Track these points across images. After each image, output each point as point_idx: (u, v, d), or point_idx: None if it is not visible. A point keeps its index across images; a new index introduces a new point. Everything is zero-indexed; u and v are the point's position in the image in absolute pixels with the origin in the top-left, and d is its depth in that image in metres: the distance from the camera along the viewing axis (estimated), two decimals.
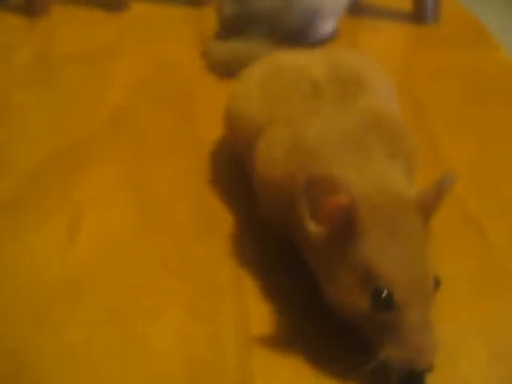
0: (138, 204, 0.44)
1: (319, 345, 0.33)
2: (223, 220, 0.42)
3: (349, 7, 0.64)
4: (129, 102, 0.56)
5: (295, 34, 0.59)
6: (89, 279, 0.38)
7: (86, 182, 0.46)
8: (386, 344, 0.30)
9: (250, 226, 0.42)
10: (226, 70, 0.57)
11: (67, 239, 0.41)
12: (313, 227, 0.32)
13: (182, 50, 0.64)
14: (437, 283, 0.31)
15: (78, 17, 0.72)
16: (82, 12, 0.73)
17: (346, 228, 0.31)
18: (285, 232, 0.37)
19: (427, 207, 0.32)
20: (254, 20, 0.59)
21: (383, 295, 0.29)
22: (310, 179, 0.31)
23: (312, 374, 0.32)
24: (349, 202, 0.30)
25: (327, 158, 0.34)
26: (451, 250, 0.38)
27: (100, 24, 0.70)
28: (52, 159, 0.49)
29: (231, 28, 0.61)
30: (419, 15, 0.67)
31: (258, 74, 0.43)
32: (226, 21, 0.61)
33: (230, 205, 0.44)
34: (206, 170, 0.47)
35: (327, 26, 0.61)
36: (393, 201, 0.32)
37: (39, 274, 0.39)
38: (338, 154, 0.34)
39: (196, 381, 0.32)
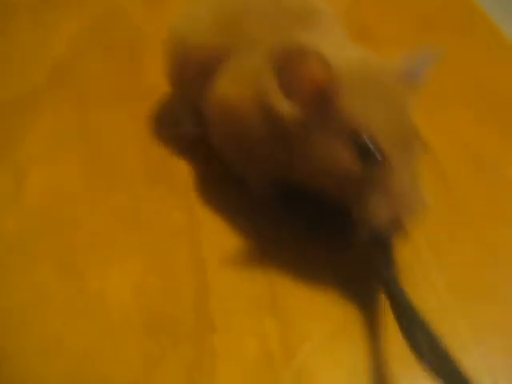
0: (87, 155, 0.43)
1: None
2: (175, 166, 0.41)
3: None
4: (74, 52, 0.53)
5: None
6: (39, 234, 0.37)
7: (30, 135, 0.45)
8: (372, 201, 0.29)
9: (204, 170, 0.41)
10: None
11: (14, 195, 0.40)
12: (288, 107, 0.31)
13: None
14: (422, 143, 0.31)
15: None
16: None
17: (324, 97, 0.30)
18: (243, 167, 0.37)
19: (412, 76, 0.32)
20: None
21: (370, 146, 0.29)
22: (281, 54, 0.29)
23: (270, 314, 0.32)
24: (324, 68, 0.29)
25: None
26: None
27: None
28: None
29: None
30: None
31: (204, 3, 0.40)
32: None
33: (182, 151, 0.43)
34: (156, 117, 0.46)
35: None
36: (372, 67, 0.31)
37: None
38: None
39: (154, 331, 0.32)
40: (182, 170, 0.41)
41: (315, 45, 0.30)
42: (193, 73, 0.39)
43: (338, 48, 0.32)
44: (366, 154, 0.29)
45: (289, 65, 0.29)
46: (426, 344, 0.26)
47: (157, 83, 0.48)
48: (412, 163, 0.30)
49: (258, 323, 0.32)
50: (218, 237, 0.37)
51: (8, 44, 0.55)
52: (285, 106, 0.31)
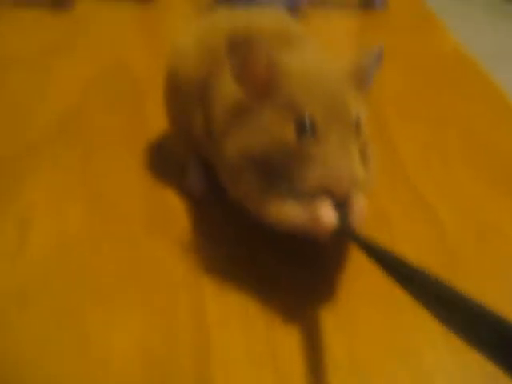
0: (89, 206, 0.43)
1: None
2: (178, 217, 0.42)
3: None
4: (76, 104, 0.54)
5: None
6: (40, 286, 0.37)
7: (34, 186, 0.45)
8: (302, 169, 0.32)
9: (207, 223, 0.41)
10: None
11: (17, 247, 0.40)
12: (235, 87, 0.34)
13: (130, 49, 0.63)
14: (358, 123, 0.33)
15: (23, 17, 0.71)
16: (27, 12, 0.72)
17: (268, 83, 0.33)
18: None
19: (360, 73, 0.34)
20: None
21: (306, 122, 0.31)
22: (232, 40, 0.33)
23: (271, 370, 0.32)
24: (267, 57, 0.33)
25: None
26: (403, 231, 0.39)
27: (46, 24, 0.69)
28: None
29: None
30: (368, 2, 0.67)
31: (191, 36, 0.43)
32: None
33: (186, 201, 0.43)
34: (160, 166, 0.47)
35: None
36: (319, 62, 0.35)
37: None
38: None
39: (154, 380, 0.32)
40: (184, 221, 0.41)
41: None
42: (184, 104, 0.41)
43: (299, 53, 0.36)
44: (301, 128, 0.32)
45: (238, 51, 0.33)
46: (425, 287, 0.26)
47: (160, 132, 0.49)
48: (346, 141, 0.32)
49: (259, 379, 0.32)
50: (220, 291, 0.37)
51: (10, 94, 0.56)
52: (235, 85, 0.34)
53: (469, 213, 0.41)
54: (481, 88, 0.55)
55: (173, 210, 0.42)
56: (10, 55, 0.63)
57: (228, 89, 0.36)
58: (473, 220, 0.40)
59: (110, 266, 0.38)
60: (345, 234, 0.32)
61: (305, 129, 0.32)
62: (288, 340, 0.33)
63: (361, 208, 0.32)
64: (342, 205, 0.32)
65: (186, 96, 0.41)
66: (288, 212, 0.33)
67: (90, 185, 0.45)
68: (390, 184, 0.44)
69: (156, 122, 0.51)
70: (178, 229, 0.41)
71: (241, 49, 0.33)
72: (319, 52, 0.39)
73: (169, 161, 0.47)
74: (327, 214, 0.31)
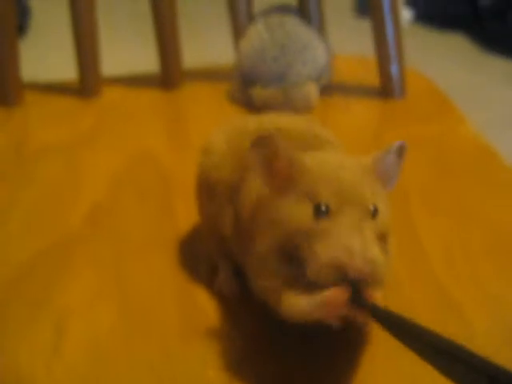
0: (122, 305, 0.44)
1: None
2: (211, 320, 0.42)
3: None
4: (106, 197, 0.56)
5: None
6: None
7: (69, 286, 0.46)
8: (315, 248, 0.33)
9: (242, 328, 0.42)
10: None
11: (53, 349, 0.41)
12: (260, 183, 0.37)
13: (155, 138, 0.65)
14: (375, 211, 0.35)
15: (52, 105, 0.73)
16: (55, 99, 0.74)
17: (287, 178, 0.36)
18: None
19: (381, 169, 0.37)
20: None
21: (322, 205, 0.34)
22: (256, 139, 0.35)
23: None
24: (284, 151, 0.35)
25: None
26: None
27: (74, 112, 0.71)
28: (33, 262, 0.48)
29: (248, 80, 0.70)
30: (387, 91, 0.69)
31: (223, 137, 0.45)
32: (245, 75, 0.71)
33: (219, 303, 0.44)
34: (189, 265, 0.48)
35: None
36: (338, 159, 0.37)
37: None
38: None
39: None
40: (215, 322, 0.42)
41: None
42: (216, 204, 0.43)
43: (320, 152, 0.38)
44: (317, 211, 0.34)
45: (260, 148, 0.35)
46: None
47: (189, 229, 0.51)
48: (359, 223, 0.33)
49: None
50: None
51: (41, 187, 0.58)
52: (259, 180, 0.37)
53: (496, 313, 0.42)
54: (503, 179, 0.56)
55: (204, 311, 0.43)
56: (40, 144, 0.65)
57: (253, 185, 0.39)
58: (501, 322, 0.41)
59: (143, 375, 0.39)
60: (359, 306, 0.33)
61: (320, 210, 0.33)
62: None
63: (345, 293, 0.33)
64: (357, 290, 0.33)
65: (217, 196, 0.43)
66: (299, 304, 0.34)
67: (122, 284, 0.46)
68: (414, 276, 0.45)
69: (185, 217, 0.52)
70: (209, 331, 0.41)
71: (263, 146, 0.35)
72: (341, 153, 0.41)
73: (199, 259, 0.48)
74: (336, 293, 0.33)
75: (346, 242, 0.32)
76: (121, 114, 0.70)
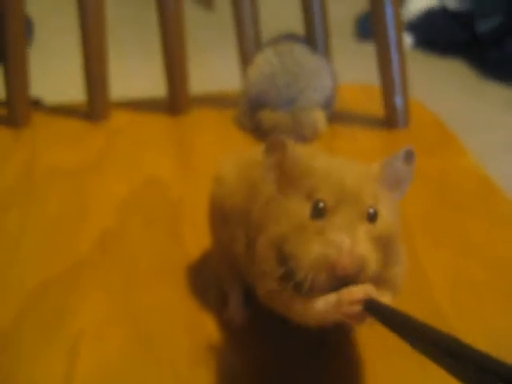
0: (132, 333, 0.45)
1: None
2: (220, 349, 0.43)
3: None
4: (115, 223, 0.57)
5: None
6: None
7: (79, 312, 0.47)
8: (308, 245, 0.34)
9: (252, 356, 0.43)
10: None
11: (65, 375, 0.41)
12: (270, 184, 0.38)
13: (164, 164, 0.66)
14: (374, 215, 0.35)
15: (60, 127, 0.74)
16: (64, 122, 0.75)
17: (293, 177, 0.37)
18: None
19: (389, 173, 0.38)
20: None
21: (318, 205, 0.35)
22: (269, 142, 0.37)
23: None
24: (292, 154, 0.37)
25: None
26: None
27: (82, 135, 0.72)
28: (44, 288, 0.49)
29: (256, 106, 0.71)
30: (391, 122, 0.70)
31: (234, 166, 0.46)
32: (253, 101, 0.72)
33: (229, 333, 0.45)
34: (198, 291, 0.49)
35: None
36: (343, 163, 0.38)
37: None
38: None
39: None
40: (225, 352, 0.43)
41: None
42: (229, 229, 0.44)
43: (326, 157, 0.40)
44: (314, 210, 0.35)
45: (271, 151, 0.37)
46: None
47: (198, 255, 0.52)
48: (352, 224, 0.34)
49: None
50: None
51: (50, 213, 0.59)
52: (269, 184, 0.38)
53: (500, 347, 0.43)
54: (504, 212, 0.57)
55: (213, 338, 0.44)
56: (49, 168, 0.66)
57: (264, 191, 0.40)
58: (505, 356, 0.42)
59: None
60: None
61: (316, 209, 0.35)
62: None
63: (361, 291, 0.34)
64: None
65: (230, 222, 0.44)
66: (314, 307, 0.36)
67: (132, 310, 0.47)
68: (417, 306, 0.45)
69: (193, 243, 0.53)
70: (218, 358, 0.42)
71: (274, 150, 0.37)
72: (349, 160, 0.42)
73: (209, 285, 0.49)
74: (352, 291, 0.34)
75: (335, 240, 0.34)
76: (129, 138, 0.71)
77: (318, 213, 0.35)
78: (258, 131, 0.70)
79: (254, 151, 0.47)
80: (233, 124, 0.73)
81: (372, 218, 0.35)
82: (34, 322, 0.46)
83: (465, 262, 0.51)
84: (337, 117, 0.73)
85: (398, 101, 0.69)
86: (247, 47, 0.76)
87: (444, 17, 2.11)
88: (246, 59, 0.76)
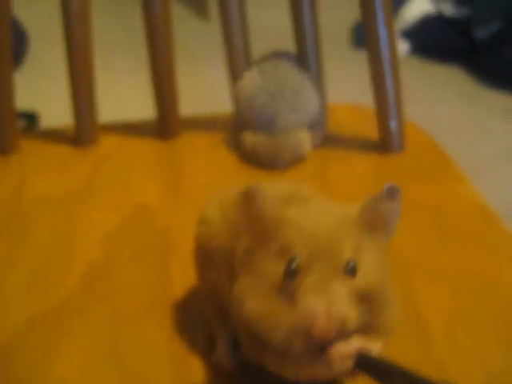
0: (118, 376, 0.43)
1: None
2: None
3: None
4: (102, 257, 0.55)
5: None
6: None
7: (64, 354, 0.45)
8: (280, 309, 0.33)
9: None
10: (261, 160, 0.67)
11: None
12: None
13: (153, 191, 0.65)
14: (352, 269, 0.34)
15: (48, 154, 0.72)
16: (52, 148, 0.73)
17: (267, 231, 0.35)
18: None
19: (370, 216, 0.35)
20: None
21: (292, 264, 0.33)
22: (242, 195, 0.36)
23: None
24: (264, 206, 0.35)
25: None
26: None
27: (69, 162, 0.70)
28: (29, 327, 0.48)
29: (241, 127, 0.70)
30: (385, 145, 0.68)
31: (218, 206, 0.45)
32: (238, 121, 0.71)
33: (213, 371, 0.43)
34: (186, 331, 0.47)
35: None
36: (318, 212, 0.36)
37: None
38: None
39: None
40: None
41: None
42: (214, 270, 0.43)
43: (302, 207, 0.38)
44: (287, 270, 0.33)
45: (245, 204, 0.36)
46: None
47: (186, 292, 0.50)
48: (327, 281, 0.33)
49: None
50: None
51: (35, 250, 0.57)
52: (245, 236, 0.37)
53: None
54: (503, 244, 0.56)
55: (200, 381, 0.43)
56: (36, 197, 0.64)
57: (242, 240, 0.39)
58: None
59: None
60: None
61: (290, 270, 0.33)
62: None
63: (347, 349, 0.33)
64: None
65: (216, 263, 0.43)
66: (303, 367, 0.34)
67: (118, 352, 0.45)
68: (412, 348, 0.44)
69: (181, 279, 0.51)
70: None
71: (247, 202, 0.36)
72: (326, 204, 0.40)
73: (196, 326, 0.48)
74: (340, 349, 0.33)
75: (309, 305, 0.32)
76: (117, 165, 0.69)
77: (292, 273, 0.33)
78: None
79: (238, 188, 0.46)
80: (224, 147, 0.72)
81: (351, 271, 0.34)
82: (16, 364, 0.45)
83: (462, 302, 0.49)
84: (329, 139, 0.71)
85: (393, 124, 0.67)
86: (237, 64, 0.73)
87: (441, 23, 2.10)
88: (236, 76, 0.73)
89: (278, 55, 0.71)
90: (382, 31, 0.65)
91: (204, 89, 1.82)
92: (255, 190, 0.36)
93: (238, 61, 0.73)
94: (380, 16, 0.64)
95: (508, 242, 0.55)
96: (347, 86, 1.60)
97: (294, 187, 0.44)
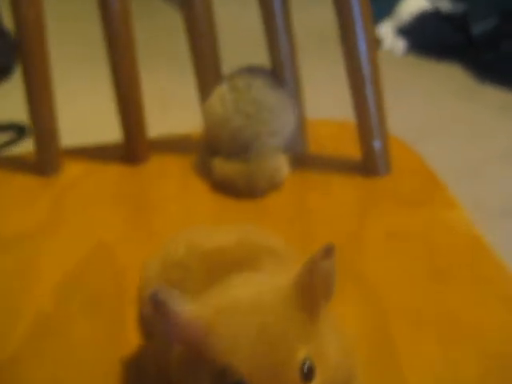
0: None
1: None
2: None
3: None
4: (53, 305, 0.50)
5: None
6: None
7: None
8: None
9: None
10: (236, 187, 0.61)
11: None
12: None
13: (115, 227, 0.60)
14: (309, 371, 0.29)
15: (7, 185, 0.67)
16: (11, 179, 0.68)
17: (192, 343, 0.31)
18: None
19: (307, 290, 0.31)
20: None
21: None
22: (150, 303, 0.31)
23: None
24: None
25: None
26: None
27: (29, 194, 0.66)
28: None
29: (213, 150, 0.64)
30: (369, 168, 0.63)
31: (156, 269, 0.41)
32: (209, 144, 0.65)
33: None
34: None
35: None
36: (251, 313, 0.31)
37: None
38: None
39: None
40: None
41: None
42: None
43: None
44: None
45: (156, 313, 0.31)
46: None
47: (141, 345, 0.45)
48: None
49: None
50: None
51: None
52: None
53: None
54: (496, 279, 0.50)
55: None
56: None
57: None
58: None
59: None
60: None
61: None
62: None
63: None
64: None
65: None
66: None
67: None
68: None
69: (135, 332, 0.46)
70: None
71: (159, 313, 0.31)
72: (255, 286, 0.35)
73: None
74: None
75: None
76: (80, 196, 0.64)
77: None
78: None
79: (175, 246, 0.41)
80: (196, 172, 0.66)
81: (307, 377, 0.29)
82: None
83: (449, 355, 0.43)
84: (309, 160, 0.66)
85: (377, 145, 0.61)
86: (206, 79, 0.66)
87: (437, 20, 2.05)
88: (205, 93, 0.66)
89: (251, 71, 0.65)
90: (361, 47, 0.59)
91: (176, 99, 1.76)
92: (164, 299, 0.31)
93: (207, 75, 0.67)
94: (359, 29, 0.59)
95: (499, 276, 0.50)
96: (334, 89, 1.54)
97: (242, 236, 0.40)
